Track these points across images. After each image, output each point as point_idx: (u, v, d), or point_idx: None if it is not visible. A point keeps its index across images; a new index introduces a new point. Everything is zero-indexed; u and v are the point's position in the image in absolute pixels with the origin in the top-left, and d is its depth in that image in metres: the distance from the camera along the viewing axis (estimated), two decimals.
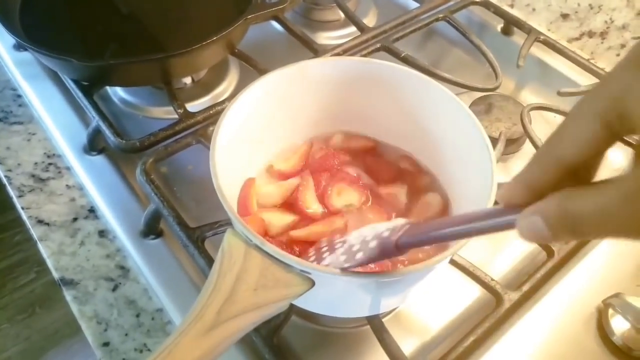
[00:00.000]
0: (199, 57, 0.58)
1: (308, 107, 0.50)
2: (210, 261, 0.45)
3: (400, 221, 0.33)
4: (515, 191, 0.22)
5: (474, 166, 0.42)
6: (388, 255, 0.32)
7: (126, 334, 0.46)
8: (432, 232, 0.30)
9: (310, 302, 0.40)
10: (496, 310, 0.45)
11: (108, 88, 0.68)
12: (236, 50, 0.64)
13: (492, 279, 0.47)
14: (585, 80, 0.70)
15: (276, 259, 0.34)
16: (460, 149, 0.44)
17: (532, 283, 0.47)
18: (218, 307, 0.32)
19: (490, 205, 0.37)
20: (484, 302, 0.50)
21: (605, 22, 0.72)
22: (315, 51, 0.66)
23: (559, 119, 0.69)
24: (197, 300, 0.33)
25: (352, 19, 0.72)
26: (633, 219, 0.18)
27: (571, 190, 0.20)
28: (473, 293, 0.51)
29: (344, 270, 0.33)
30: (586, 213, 0.19)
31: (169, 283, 0.49)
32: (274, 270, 0.34)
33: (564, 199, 0.20)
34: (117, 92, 0.68)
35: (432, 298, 0.51)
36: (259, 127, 0.47)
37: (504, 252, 0.55)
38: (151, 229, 0.52)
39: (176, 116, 0.58)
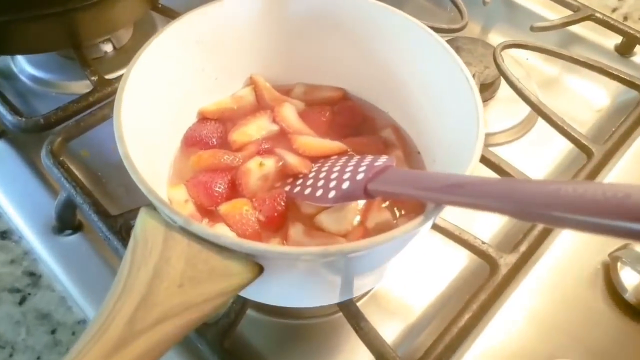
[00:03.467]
0: (111, 11, 0.48)
1: (249, 55, 0.41)
2: None
3: (380, 161, 0.32)
4: None
5: (454, 116, 0.34)
6: (356, 198, 0.33)
7: (38, 358, 0.36)
8: (407, 188, 0.29)
9: (262, 293, 0.32)
10: (492, 279, 0.38)
11: (12, 64, 0.57)
12: (159, 5, 0.54)
13: (483, 242, 0.40)
14: (554, 14, 0.63)
15: (207, 241, 0.25)
16: (439, 97, 0.36)
17: (529, 242, 0.40)
18: (129, 314, 0.23)
19: (474, 161, 0.29)
20: (473, 271, 0.43)
21: None
22: None
23: (532, 59, 0.62)
24: (100, 308, 0.24)
25: None
26: None
27: None
28: (459, 261, 0.44)
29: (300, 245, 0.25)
30: None
31: (92, 287, 0.39)
32: (205, 257, 0.25)
33: None
34: (24, 68, 0.57)
35: (412, 271, 0.43)
36: (184, 81, 0.38)
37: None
38: (65, 223, 0.42)
39: None
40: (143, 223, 0.26)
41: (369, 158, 0.35)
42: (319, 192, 0.34)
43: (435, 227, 0.40)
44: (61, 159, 0.42)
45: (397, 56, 0.38)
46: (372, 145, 0.40)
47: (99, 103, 0.47)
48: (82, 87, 0.55)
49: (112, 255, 0.40)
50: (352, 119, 0.42)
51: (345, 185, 0.32)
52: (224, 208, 0.35)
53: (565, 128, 0.47)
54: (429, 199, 0.28)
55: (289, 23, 0.40)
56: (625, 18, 0.66)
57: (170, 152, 0.39)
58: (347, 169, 0.34)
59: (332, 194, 0.33)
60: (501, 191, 0.23)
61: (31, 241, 0.42)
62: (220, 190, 0.37)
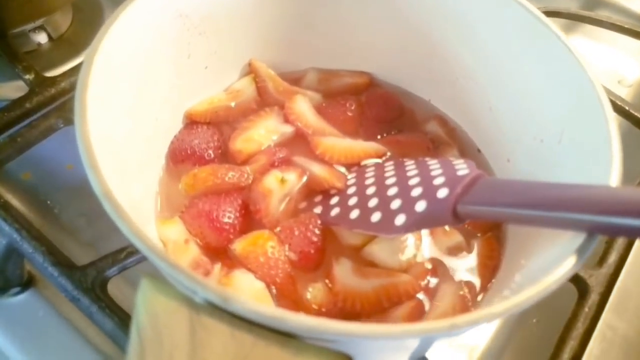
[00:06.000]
0: None
1: (247, 33, 0.31)
2: (122, 320, 0.26)
3: (463, 169, 0.24)
4: None
5: (550, 104, 0.26)
6: (440, 223, 0.25)
7: None
8: (514, 205, 0.21)
9: None
10: (585, 303, 0.30)
11: None
12: None
13: None
14: None
15: (264, 327, 0.15)
16: (525, 80, 0.27)
17: (618, 251, 0.32)
18: None
19: (616, 166, 0.21)
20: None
21: None
22: None
23: None
24: None
25: None
26: None
27: None
28: None
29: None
30: None
31: None
32: (263, 354, 0.15)
33: None
34: None
35: None
36: (164, 71, 0.27)
37: None
38: (10, 279, 0.30)
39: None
40: (150, 306, 0.16)
41: (435, 164, 0.26)
42: (376, 217, 0.25)
43: None
44: None
45: (456, 28, 0.29)
46: (418, 144, 0.31)
47: (40, 110, 0.35)
48: (12, 89, 0.43)
49: (80, 315, 0.29)
50: (386, 112, 0.33)
51: (420, 206, 0.23)
52: (240, 247, 0.26)
53: (626, 108, 0.40)
54: (575, 225, 0.19)
55: None
56: None
57: (154, 172, 0.28)
58: (412, 182, 0.25)
59: (400, 219, 0.24)
60: None
61: None
62: (230, 220, 0.27)
